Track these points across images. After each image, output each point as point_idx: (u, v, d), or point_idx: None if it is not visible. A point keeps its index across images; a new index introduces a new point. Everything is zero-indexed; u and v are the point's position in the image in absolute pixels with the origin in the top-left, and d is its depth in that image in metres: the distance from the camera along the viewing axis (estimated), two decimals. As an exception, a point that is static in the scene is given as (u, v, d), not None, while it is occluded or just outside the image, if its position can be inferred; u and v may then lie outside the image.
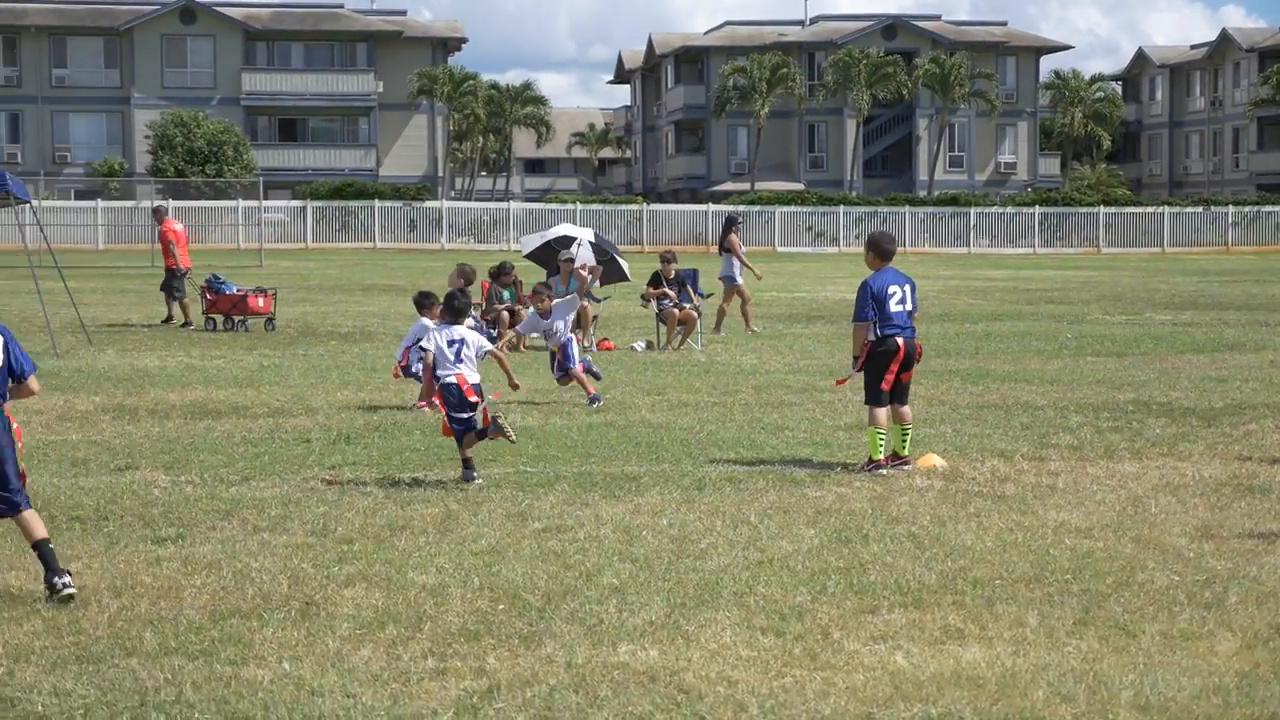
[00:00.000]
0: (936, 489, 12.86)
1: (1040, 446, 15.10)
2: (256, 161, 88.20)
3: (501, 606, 8.96)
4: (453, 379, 13.35)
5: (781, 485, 13.01)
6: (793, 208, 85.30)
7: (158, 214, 32.73)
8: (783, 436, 15.90)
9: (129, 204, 79.75)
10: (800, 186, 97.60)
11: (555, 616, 8.74)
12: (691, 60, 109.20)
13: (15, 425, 9.31)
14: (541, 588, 9.39)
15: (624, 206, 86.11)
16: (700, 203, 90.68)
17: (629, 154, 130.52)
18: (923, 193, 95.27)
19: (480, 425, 13.23)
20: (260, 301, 29.27)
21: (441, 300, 14.51)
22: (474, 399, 13.27)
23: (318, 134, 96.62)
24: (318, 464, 13.95)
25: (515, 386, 14.75)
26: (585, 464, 14.03)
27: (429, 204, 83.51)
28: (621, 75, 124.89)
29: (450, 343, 13.52)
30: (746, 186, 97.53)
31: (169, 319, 30.39)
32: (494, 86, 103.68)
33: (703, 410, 17.90)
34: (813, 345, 26.74)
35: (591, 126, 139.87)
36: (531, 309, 19.19)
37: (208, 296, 29.54)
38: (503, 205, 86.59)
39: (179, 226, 32.04)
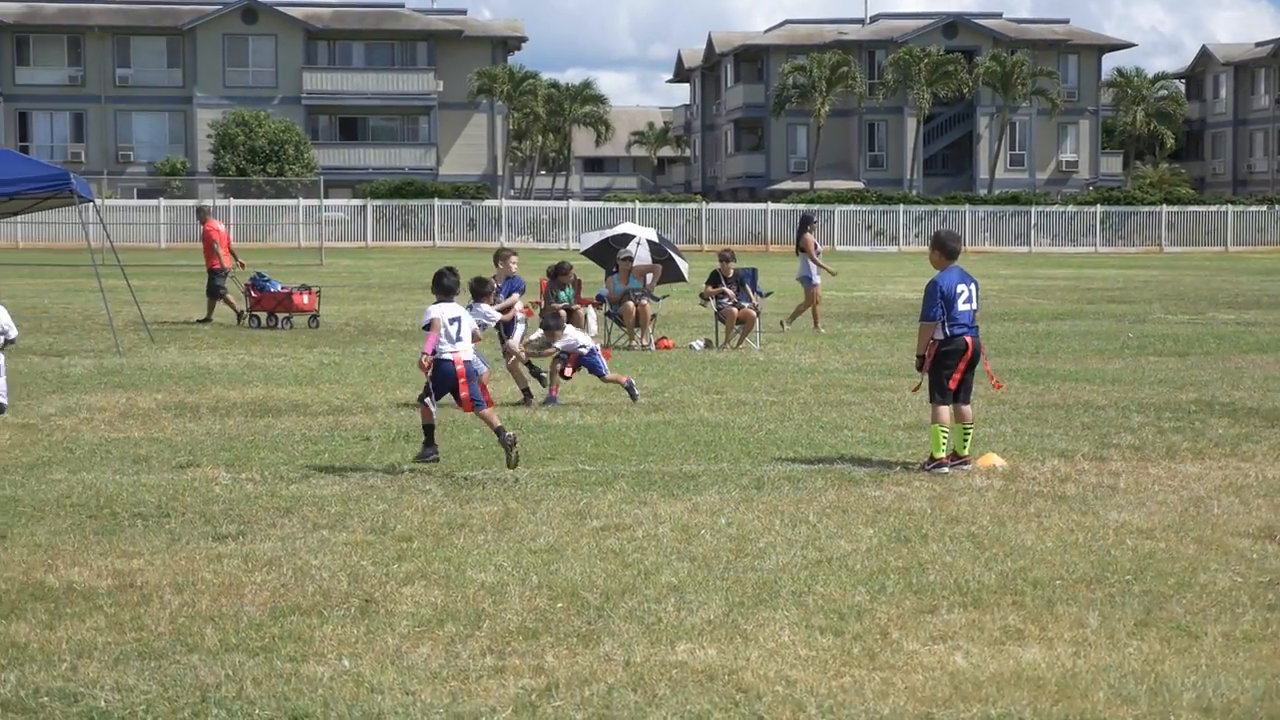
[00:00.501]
0: (996, 489, 12.80)
1: (1101, 446, 15.01)
2: (317, 160, 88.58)
3: (560, 605, 8.97)
4: (449, 357, 13.58)
5: (840, 484, 12.98)
6: (852, 206, 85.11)
7: (201, 214, 32.87)
8: (841, 436, 15.86)
9: (191, 203, 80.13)
10: (860, 185, 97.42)
11: (613, 615, 8.75)
12: (751, 59, 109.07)
13: None
14: (600, 586, 9.39)
15: (682, 205, 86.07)
16: (759, 201, 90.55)
17: (688, 153, 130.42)
18: (983, 191, 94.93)
19: (464, 408, 13.72)
20: (305, 299, 29.51)
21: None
22: (463, 380, 13.57)
23: (378, 133, 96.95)
24: (377, 462, 14.00)
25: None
26: (643, 463, 14.03)
27: (488, 203, 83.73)
28: (681, 74, 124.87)
29: (451, 320, 13.71)
30: (806, 185, 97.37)
31: (207, 319, 30.54)
32: (553, 85, 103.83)
33: (761, 409, 17.88)
34: (872, 344, 26.67)
35: (651, 125, 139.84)
36: (538, 333, 18.90)
37: (252, 294, 29.72)
38: (562, 204, 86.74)
39: (221, 227, 32.25)
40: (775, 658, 7.99)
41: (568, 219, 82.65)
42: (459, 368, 13.56)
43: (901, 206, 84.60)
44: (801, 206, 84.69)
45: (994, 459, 13.98)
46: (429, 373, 13.63)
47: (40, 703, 7.19)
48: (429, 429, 13.94)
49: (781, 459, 14.31)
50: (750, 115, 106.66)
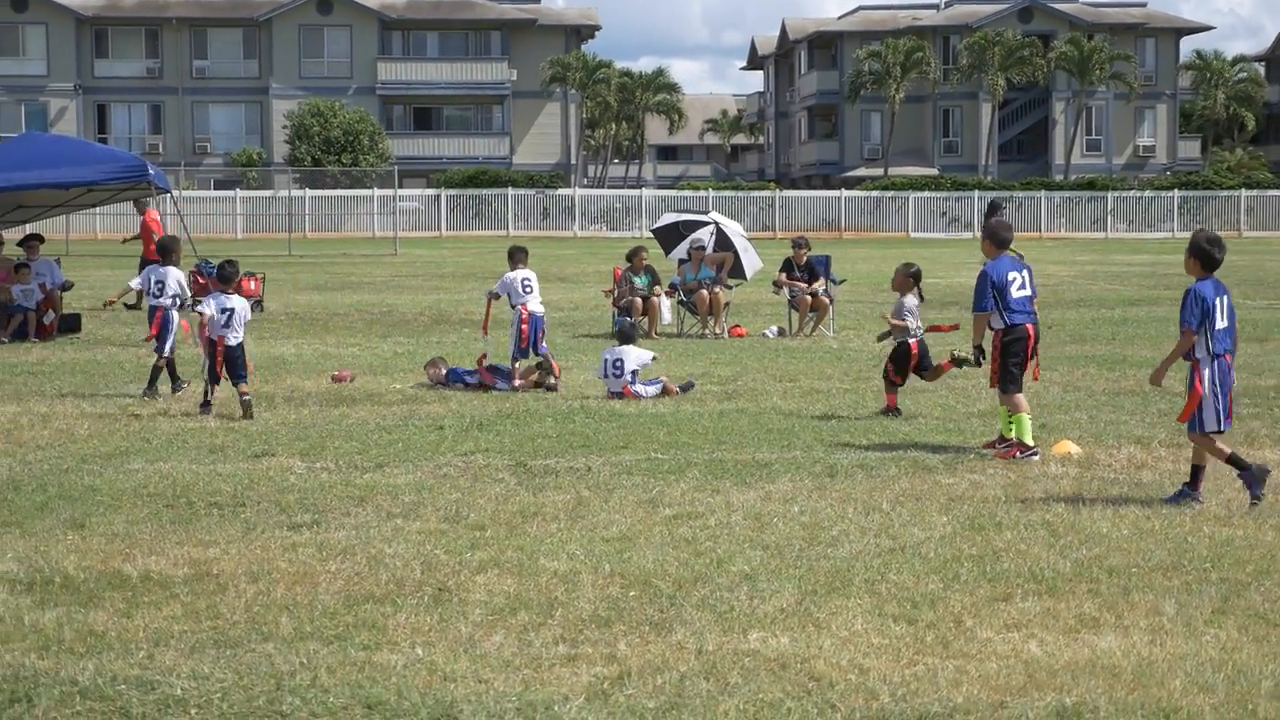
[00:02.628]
0: (1071, 476, 12.72)
1: (1178, 433, 14.89)
2: (392, 150, 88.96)
3: (633, 593, 8.98)
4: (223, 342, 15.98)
5: (914, 472, 12.94)
6: (927, 193, 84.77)
7: (139, 205, 32.57)
8: (915, 423, 15.81)
9: (267, 193, 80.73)
10: (934, 171, 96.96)
11: (686, 603, 8.75)
12: (824, 45, 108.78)
13: None
14: (672, 574, 9.39)
15: (756, 193, 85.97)
16: (832, 188, 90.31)
17: (761, 140, 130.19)
18: (1059, 177, 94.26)
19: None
20: (252, 285, 29.65)
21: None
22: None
23: (452, 122, 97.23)
24: (450, 450, 14.04)
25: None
26: (716, 451, 14.03)
27: (562, 191, 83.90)
28: (755, 61, 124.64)
29: (222, 310, 15.95)
30: (879, 172, 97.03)
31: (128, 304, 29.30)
32: (626, 74, 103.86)
33: (834, 397, 17.83)
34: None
35: (724, 113, 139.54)
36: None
37: (198, 280, 29.22)
38: (635, 192, 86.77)
39: (158, 217, 32.39)
40: (848, 646, 7.97)
41: (641, 207, 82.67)
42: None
43: (976, 193, 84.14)
44: (875, 193, 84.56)
45: (1069, 446, 13.91)
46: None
47: (117, 690, 7.26)
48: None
49: (855, 446, 14.28)
50: (824, 102, 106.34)
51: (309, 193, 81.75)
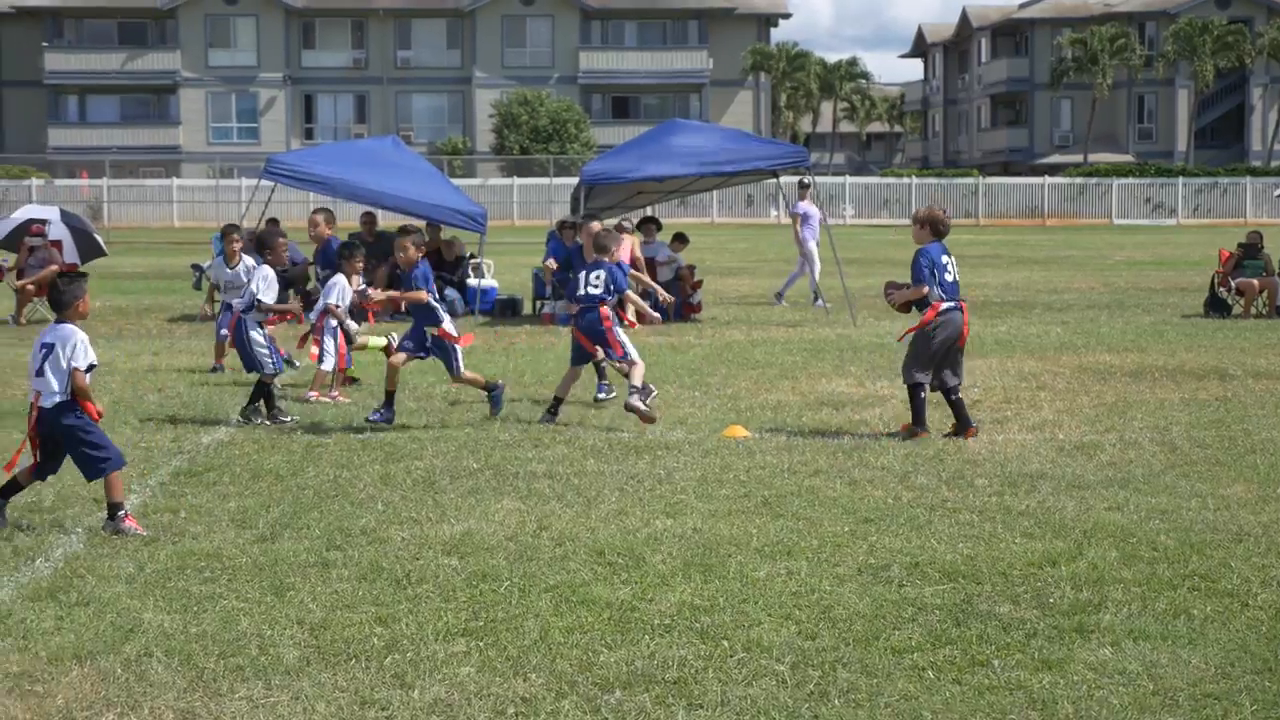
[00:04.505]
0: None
1: None
2: (595, 139, 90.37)
3: None
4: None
5: None
6: (1130, 180, 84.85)
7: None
8: None
9: (474, 182, 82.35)
10: (1129, 158, 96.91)
11: None
12: (1009, 32, 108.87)
13: None
14: None
15: (959, 180, 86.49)
16: (1016, 175, 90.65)
17: (898, 129, 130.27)
18: (1257, 163, 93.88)
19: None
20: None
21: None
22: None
23: (649, 110, 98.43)
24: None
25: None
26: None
27: (767, 181, 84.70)
28: (920, 48, 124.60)
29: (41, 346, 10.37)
30: (1074, 159, 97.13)
31: None
32: (820, 62, 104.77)
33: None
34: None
35: (863, 100, 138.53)
36: None
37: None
38: (839, 180, 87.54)
39: None
40: None
41: (844, 194, 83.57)
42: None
43: (1180, 179, 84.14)
44: (1079, 179, 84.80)
45: (739, 430, 14.11)
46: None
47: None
48: None
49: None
50: (1012, 89, 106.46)
51: (517, 181, 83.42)
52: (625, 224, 26.08)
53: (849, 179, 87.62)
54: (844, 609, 8.30)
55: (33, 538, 9.88)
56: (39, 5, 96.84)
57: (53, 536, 9.93)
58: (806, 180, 31.27)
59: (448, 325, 14.53)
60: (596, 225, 17.02)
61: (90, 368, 10.18)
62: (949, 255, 13.95)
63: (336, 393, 16.54)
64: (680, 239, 27.57)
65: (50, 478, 11.68)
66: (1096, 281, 35.44)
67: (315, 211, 18.78)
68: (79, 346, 10.14)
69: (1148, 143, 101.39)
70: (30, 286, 25.21)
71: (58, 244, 25.76)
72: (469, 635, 7.83)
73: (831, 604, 8.39)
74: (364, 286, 16.17)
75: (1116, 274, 38.71)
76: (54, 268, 25.20)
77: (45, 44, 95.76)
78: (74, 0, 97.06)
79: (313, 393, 16.34)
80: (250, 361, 15.01)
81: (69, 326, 10.26)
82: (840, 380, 17.93)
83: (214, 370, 18.68)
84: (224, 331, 17.67)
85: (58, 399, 10.14)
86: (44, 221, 26.06)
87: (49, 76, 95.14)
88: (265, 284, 15.15)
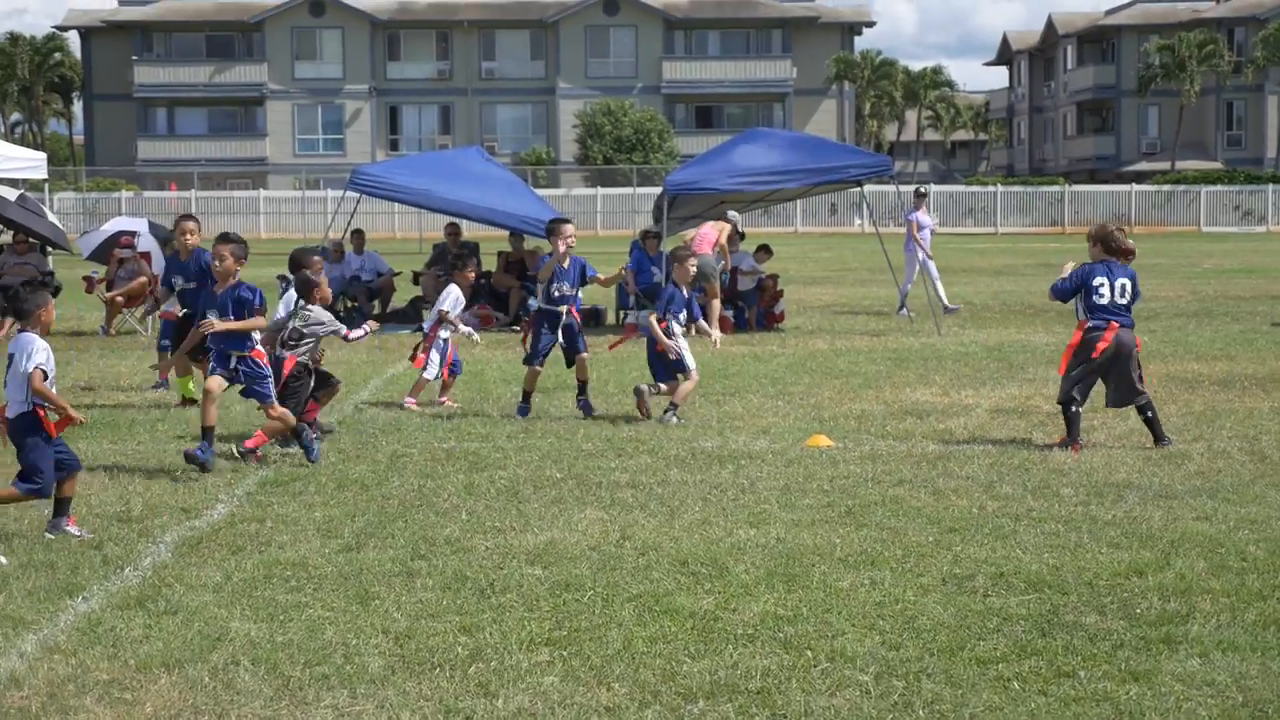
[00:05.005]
0: None
1: None
2: (679, 149, 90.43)
3: None
4: None
5: None
6: (1218, 187, 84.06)
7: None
8: None
9: (557, 192, 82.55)
10: (1218, 165, 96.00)
11: None
12: (1095, 39, 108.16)
13: None
14: None
15: (1045, 188, 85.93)
16: (1103, 182, 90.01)
17: (982, 136, 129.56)
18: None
19: None
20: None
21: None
22: None
23: (733, 120, 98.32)
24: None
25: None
26: None
27: (850, 190, 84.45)
28: (1005, 56, 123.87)
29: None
30: (1161, 166, 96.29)
31: None
32: (906, 71, 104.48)
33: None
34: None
35: (947, 108, 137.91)
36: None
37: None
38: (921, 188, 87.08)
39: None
40: None
41: (929, 203, 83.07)
42: None
43: (1270, 186, 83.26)
44: (1166, 187, 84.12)
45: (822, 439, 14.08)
46: None
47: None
48: None
49: None
50: (1099, 96, 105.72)
51: (600, 191, 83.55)
52: (733, 214, 26.08)
53: (933, 187, 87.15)
54: (928, 619, 8.26)
55: (122, 547, 9.97)
56: (129, 19, 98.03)
57: (141, 545, 10.02)
58: (923, 189, 31.22)
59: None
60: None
61: (44, 374, 10.07)
62: (1119, 277, 13.66)
63: (445, 398, 16.80)
64: (765, 250, 27.54)
65: (138, 487, 11.81)
66: (1184, 289, 35.13)
67: (186, 218, 16.81)
68: (34, 354, 10.11)
69: (1236, 149, 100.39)
70: (120, 298, 25.47)
71: (146, 255, 26.02)
72: (552, 645, 7.85)
73: (916, 614, 8.36)
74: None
75: (1204, 282, 38.36)
76: (142, 279, 25.47)
77: (135, 58, 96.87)
78: (163, 14, 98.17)
79: (410, 399, 16.39)
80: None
81: (29, 335, 10.26)
82: (924, 389, 17.86)
83: (157, 387, 17.80)
84: (166, 342, 17.31)
85: (20, 408, 10.15)
86: (133, 233, 26.32)
87: (138, 90, 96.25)
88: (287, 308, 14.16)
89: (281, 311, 14.19)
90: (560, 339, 15.82)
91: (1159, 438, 13.70)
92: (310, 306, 13.78)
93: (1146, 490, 11.71)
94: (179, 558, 9.68)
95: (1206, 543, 9.96)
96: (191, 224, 16.61)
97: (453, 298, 17.05)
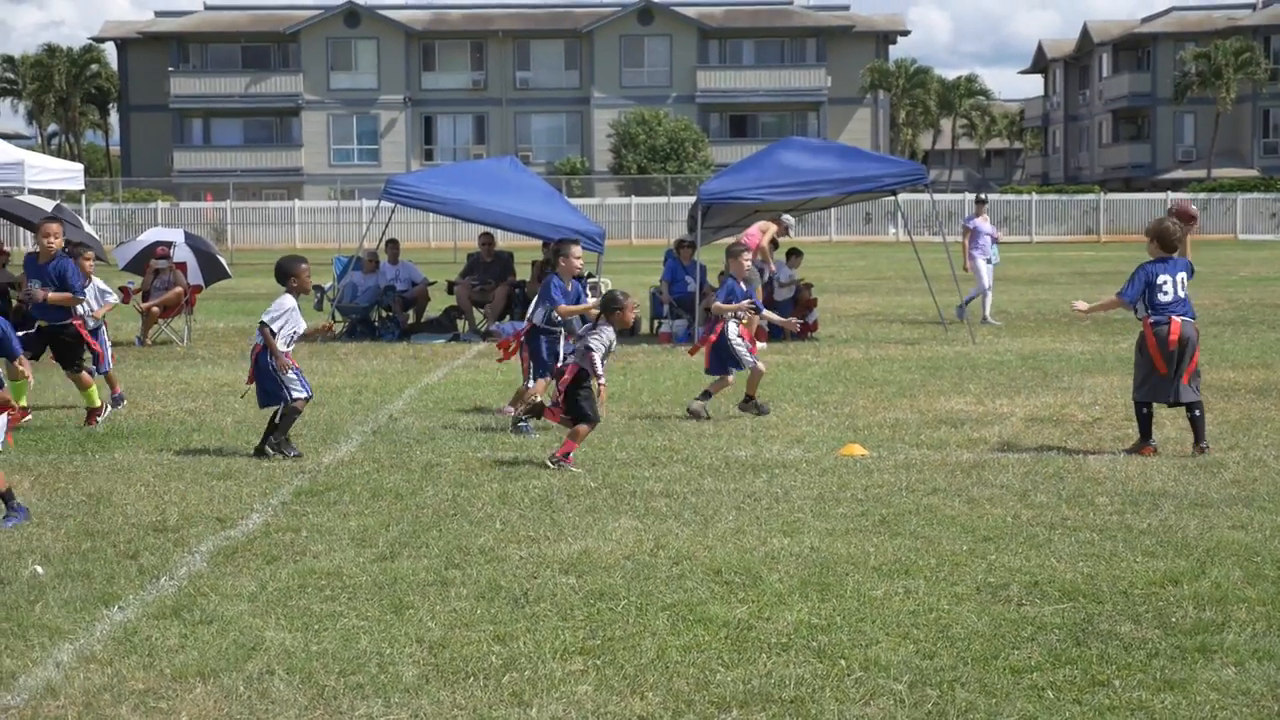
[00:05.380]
0: None
1: None
2: (713, 158, 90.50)
3: None
4: None
5: None
6: (1255, 194, 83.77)
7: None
8: None
9: (592, 201, 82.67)
10: (1254, 173, 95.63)
11: None
12: (1131, 47, 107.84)
13: None
14: None
15: (1080, 196, 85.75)
16: (1138, 191, 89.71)
17: (1017, 145, 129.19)
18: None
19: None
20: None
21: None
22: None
23: (767, 129, 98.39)
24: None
25: None
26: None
27: (885, 199, 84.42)
28: (1040, 64, 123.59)
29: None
30: (1197, 174, 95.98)
31: None
32: (940, 79, 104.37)
33: None
34: None
35: (982, 116, 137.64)
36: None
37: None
38: (957, 197, 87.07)
39: None
40: None
41: (964, 211, 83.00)
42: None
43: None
44: (1202, 195, 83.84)
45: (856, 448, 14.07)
46: None
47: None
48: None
49: None
50: (1134, 104, 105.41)
51: (634, 200, 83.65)
52: (787, 217, 26.02)
53: (968, 196, 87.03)
54: (962, 628, 8.25)
55: (157, 556, 10.02)
56: (165, 31, 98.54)
57: (177, 555, 10.06)
58: (983, 196, 31.17)
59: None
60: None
61: None
62: (1179, 271, 13.69)
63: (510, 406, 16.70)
64: (796, 254, 27.50)
65: (173, 497, 11.87)
66: (1220, 298, 34.99)
67: (50, 220, 15.95)
68: None
69: (1273, 157, 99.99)
70: (155, 308, 25.58)
71: (182, 266, 26.14)
72: (586, 654, 7.86)
73: (950, 623, 8.34)
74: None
75: (1241, 290, 38.21)
76: (178, 289, 25.58)
77: (171, 69, 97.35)
78: (199, 26, 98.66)
79: (510, 406, 16.35)
80: (275, 395, 13.95)
81: None
82: (959, 398, 17.83)
83: (116, 403, 17.23)
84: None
85: None
86: (169, 244, 26.46)
87: (174, 101, 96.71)
88: (279, 313, 14.03)
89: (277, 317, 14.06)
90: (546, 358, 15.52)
91: (1199, 438, 13.67)
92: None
93: (1182, 499, 11.67)
94: (214, 567, 9.72)
95: (1242, 551, 9.92)
96: (55, 226, 15.72)
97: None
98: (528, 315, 16.15)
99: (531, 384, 15.71)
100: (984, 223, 29.71)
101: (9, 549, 10.18)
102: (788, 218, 25.53)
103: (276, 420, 14.03)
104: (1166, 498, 11.71)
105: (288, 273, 14.13)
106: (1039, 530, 10.63)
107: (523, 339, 15.76)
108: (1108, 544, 10.18)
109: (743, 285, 16.47)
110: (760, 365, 16.47)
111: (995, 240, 29.81)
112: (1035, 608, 8.65)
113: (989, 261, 29.38)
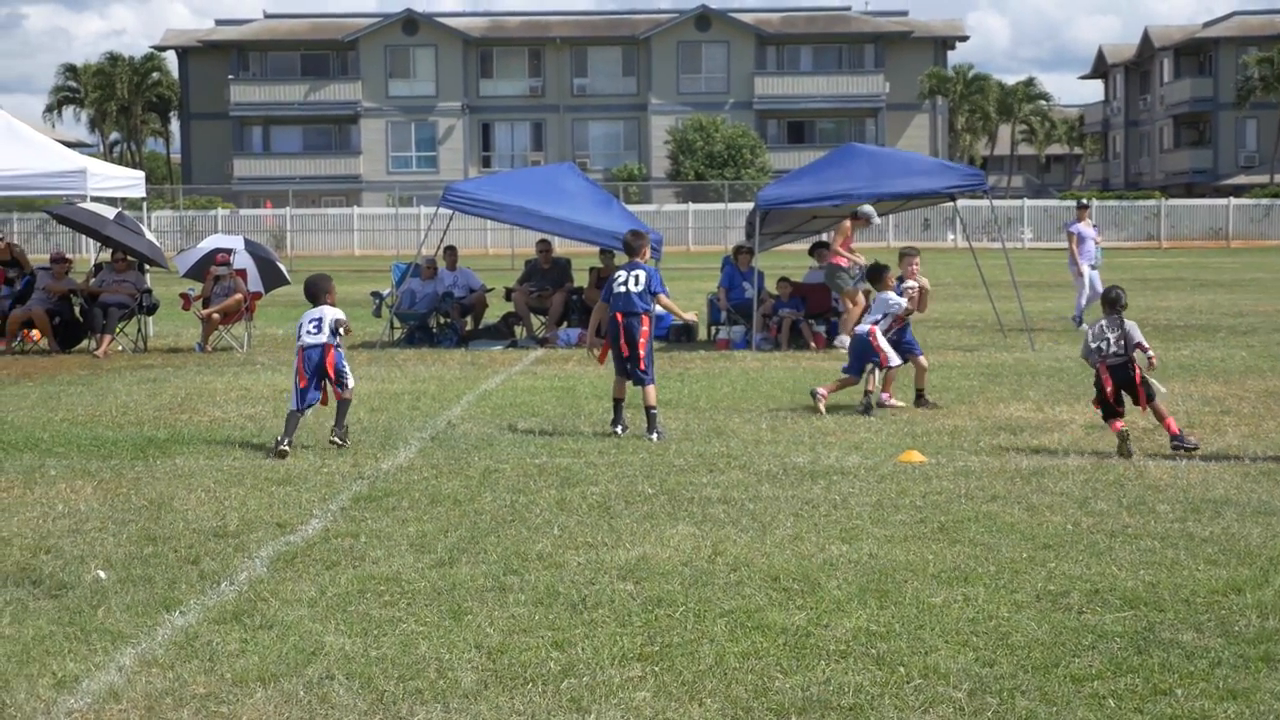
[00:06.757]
0: None
1: None
2: (771, 164, 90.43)
3: None
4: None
5: None
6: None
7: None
8: None
9: (649, 208, 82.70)
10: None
11: None
12: (1193, 52, 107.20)
13: None
14: None
15: (1140, 202, 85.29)
16: (1200, 196, 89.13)
17: (1078, 151, 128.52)
18: None
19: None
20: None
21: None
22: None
23: (825, 135, 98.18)
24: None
25: None
26: None
27: (944, 205, 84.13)
28: (1100, 69, 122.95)
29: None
30: (1260, 179, 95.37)
31: None
32: (999, 85, 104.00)
33: None
34: None
35: (1042, 121, 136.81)
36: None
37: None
38: (1016, 203, 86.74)
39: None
40: None
41: (1023, 217, 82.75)
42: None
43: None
44: (1265, 200, 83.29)
45: (915, 455, 14.05)
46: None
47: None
48: None
49: None
50: (1196, 109, 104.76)
51: (692, 207, 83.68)
52: (866, 208, 25.87)
53: (1027, 202, 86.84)
54: (1022, 636, 8.21)
55: (218, 562, 10.07)
56: (225, 39, 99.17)
57: (237, 560, 10.12)
58: (1085, 201, 31.10)
59: None
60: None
61: None
62: None
63: (887, 394, 17.64)
64: (823, 245, 27.13)
65: (233, 502, 11.94)
66: (1283, 304, 34.74)
67: None
68: None
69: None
70: (215, 315, 25.73)
71: (242, 273, 26.27)
72: (644, 660, 7.86)
73: (1009, 630, 8.30)
74: None
75: (1304, 296, 37.91)
76: (238, 296, 25.71)
77: (231, 77, 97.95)
78: (259, 34, 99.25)
79: (886, 394, 17.40)
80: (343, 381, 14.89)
81: None
82: (1018, 405, 17.75)
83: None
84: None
85: None
86: (229, 251, 26.58)
87: (234, 108, 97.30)
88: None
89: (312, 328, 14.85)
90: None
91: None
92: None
93: (1244, 506, 11.58)
94: (274, 572, 9.76)
95: (1306, 559, 9.85)
96: None
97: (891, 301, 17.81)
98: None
99: (896, 363, 17.29)
100: (1086, 227, 29.68)
101: (72, 554, 10.26)
102: (866, 208, 25.35)
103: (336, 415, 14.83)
104: (1229, 505, 11.63)
105: (324, 290, 15.13)
106: (1099, 538, 10.57)
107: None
108: (1169, 552, 10.12)
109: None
110: (894, 359, 17.34)
111: (1097, 243, 29.85)
112: (1096, 615, 8.60)
113: (1092, 266, 29.35)
